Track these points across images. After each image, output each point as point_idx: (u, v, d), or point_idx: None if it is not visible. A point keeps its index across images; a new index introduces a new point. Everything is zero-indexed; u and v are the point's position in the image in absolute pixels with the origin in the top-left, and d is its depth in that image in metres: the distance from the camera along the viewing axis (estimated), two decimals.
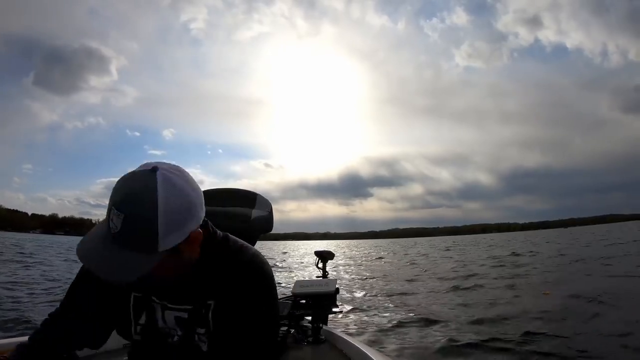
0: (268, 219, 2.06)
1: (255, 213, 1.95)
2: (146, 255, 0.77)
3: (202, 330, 0.96)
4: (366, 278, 12.64)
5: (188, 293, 0.96)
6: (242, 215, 1.88)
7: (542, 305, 6.59)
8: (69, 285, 1.07)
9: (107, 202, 0.79)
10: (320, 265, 3.72)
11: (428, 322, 6.20)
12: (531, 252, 21.22)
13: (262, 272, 0.99)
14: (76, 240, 0.88)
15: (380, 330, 5.83)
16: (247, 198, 2.05)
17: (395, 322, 6.34)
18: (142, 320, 1.00)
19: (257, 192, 2.11)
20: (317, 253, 3.73)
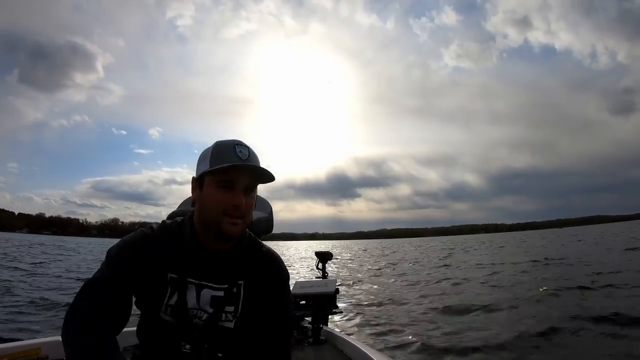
0: (268, 221, 2.12)
1: (255, 215, 2.01)
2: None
3: (230, 309, 1.16)
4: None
5: (222, 273, 1.16)
6: None
7: None
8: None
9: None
10: (320, 265, 3.81)
11: (429, 323, 6.29)
12: None
13: (282, 262, 1.29)
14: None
15: (380, 331, 5.91)
16: None
17: (394, 323, 6.42)
18: (173, 300, 1.12)
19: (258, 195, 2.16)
20: (317, 254, 3.82)
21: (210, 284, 1.15)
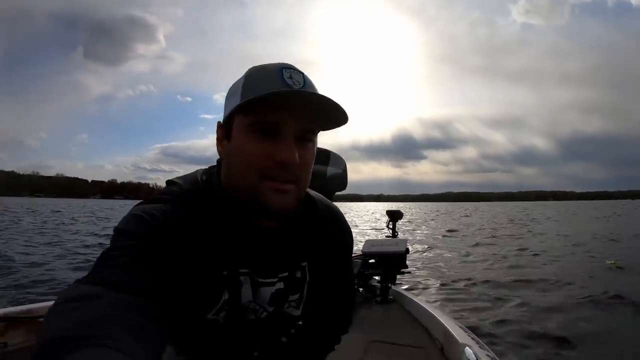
0: (343, 177, 2.07)
1: (330, 171, 1.98)
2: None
3: (294, 297, 0.88)
4: None
5: (279, 259, 0.85)
6: (318, 172, 1.91)
7: None
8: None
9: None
10: (391, 225, 3.77)
11: (501, 293, 6.11)
12: None
13: (345, 220, 0.97)
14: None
15: (448, 294, 5.85)
16: (321, 155, 2.06)
17: (465, 290, 6.32)
18: (222, 299, 0.80)
19: (331, 150, 2.10)
20: (389, 212, 3.78)
21: (268, 280, 0.83)
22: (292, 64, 0.72)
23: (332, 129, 0.75)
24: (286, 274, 0.85)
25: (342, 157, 2.13)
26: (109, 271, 0.58)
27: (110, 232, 0.68)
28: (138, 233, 0.66)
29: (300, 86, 0.69)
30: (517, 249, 11.07)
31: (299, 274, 0.87)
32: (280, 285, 0.85)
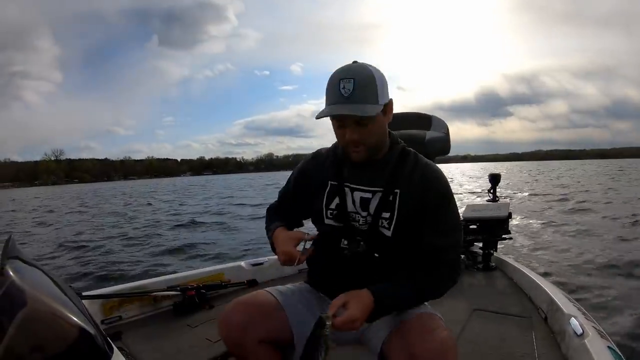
0: (444, 140, 2.03)
1: (429, 134, 1.95)
2: (372, 105, 1.05)
3: (386, 215, 1.14)
4: None
5: (378, 179, 1.16)
6: (417, 136, 1.91)
7: None
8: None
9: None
10: (491, 189, 3.59)
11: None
12: None
13: (443, 175, 1.17)
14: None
15: (552, 264, 5.50)
16: (422, 120, 2.09)
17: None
18: (333, 205, 1.20)
19: (432, 114, 2.10)
20: (490, 176, 3.61)
21: (361, 187, 1.18)
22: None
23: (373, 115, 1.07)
24: (378, 189, 1.15)
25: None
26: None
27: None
28: (292, 173, 1.35)
29: (349, 94, 1.03)
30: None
31: (390, 198, 1.14)
32: (369, 195, 1.16)
